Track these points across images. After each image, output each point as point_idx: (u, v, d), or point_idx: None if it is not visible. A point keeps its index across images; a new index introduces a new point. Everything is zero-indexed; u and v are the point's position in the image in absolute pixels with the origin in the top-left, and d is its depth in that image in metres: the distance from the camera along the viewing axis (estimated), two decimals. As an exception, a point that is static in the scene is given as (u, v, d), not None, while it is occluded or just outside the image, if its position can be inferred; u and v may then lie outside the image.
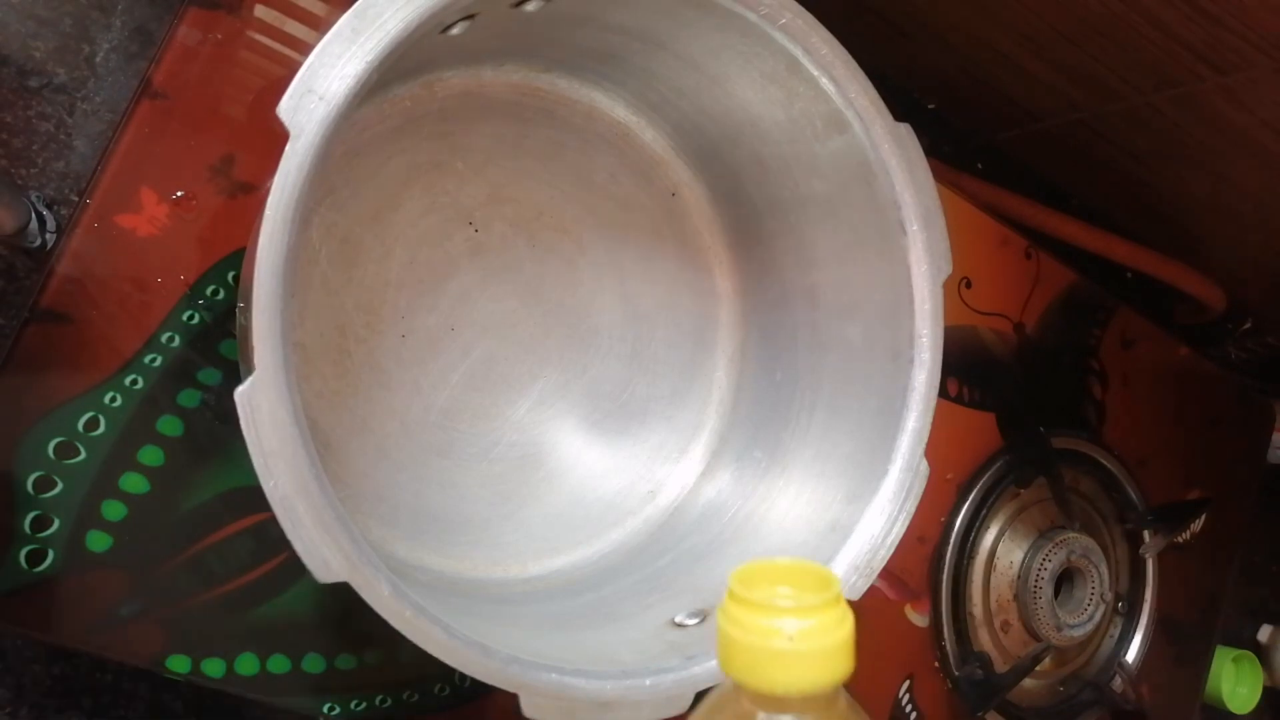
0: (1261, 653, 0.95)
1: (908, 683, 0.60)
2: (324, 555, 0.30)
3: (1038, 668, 0.64)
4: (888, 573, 0.55)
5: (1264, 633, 0.97)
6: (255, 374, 0.30)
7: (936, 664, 0.61)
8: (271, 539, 0.42)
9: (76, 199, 0.42)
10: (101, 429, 0.40)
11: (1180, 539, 0.74)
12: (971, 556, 0.62)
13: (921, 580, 0.61)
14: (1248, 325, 0.89)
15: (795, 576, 0.26)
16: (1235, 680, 0.90)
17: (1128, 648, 0.70)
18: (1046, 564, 0.63)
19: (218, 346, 0.42)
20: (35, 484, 0.39)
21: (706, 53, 0.43)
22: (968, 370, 0.63)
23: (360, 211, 0.44)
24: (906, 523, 0.42)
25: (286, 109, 0.30)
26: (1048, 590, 0.63)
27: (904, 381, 0.43)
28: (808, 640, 0.24)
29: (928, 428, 0.43)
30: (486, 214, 0.47)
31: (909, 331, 0.43)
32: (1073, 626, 0.64)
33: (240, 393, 0.29)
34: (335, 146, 0.34)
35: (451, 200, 0.46)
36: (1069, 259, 0.69)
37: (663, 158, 0.52)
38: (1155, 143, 0.68)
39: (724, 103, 0.45)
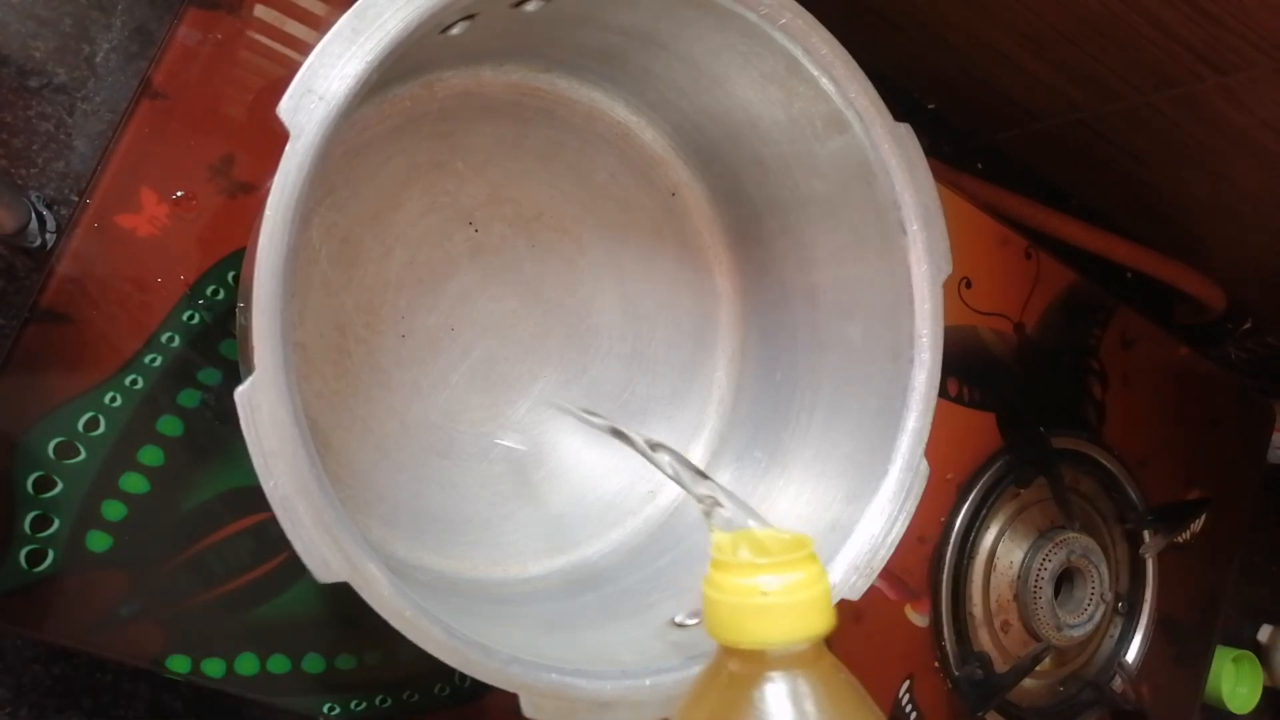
0: (1261, 653, 0.95)
1: (908, 683, 0.60)
2: (324, 555, 0.30)
3: (1038, 668, 0.64)
4: (888, 573, 0.55)
5: (1264, 633, 0.97)
6: (255, 374, 0.30)
7: (936, 664, 0.61)
8: (271, 539, 0.42)
9: (76, 199, 0.42)
10: (101, 429, 0.40)
11: (1180, 539, 0.74)
12: (971, 556, 0.62)
13: (921, 580, 0.61)
14: (1248, 325, 0.89)
15: (771, 542, 0.28)
16: (1235, 680, 0.90)
17: (1128, 648, 0.70)
18: (1046, 564, 0.63)
19: (218, 346, 0.42)
20: (35, 484, 0.39)
21: (706, 53, 0.43)
22: (968, 370, 0.63)
23: (360, 211, 0.44)
24: (906, 523, 0.42)
25: (286, 109, 0.30)
26: (1048, 590, 0.63)
27: (904, 381, 0.43)
28: (785, 595, 0.26)
29: (928, 428, 0.43)
30: (486, 214, 0.47)
31: (909, 331, 0.43)
32: (1073, 626, 0.64)
33: (240, 393, 0.29)
34: (335, 146, 0.34)
35: (451, 200, 0.46)
36: (1069, 259, 0.69)
37: (663, 158, 0.52)
38: (1155, 143, 0.68)
39: (724, 103, 0.45)
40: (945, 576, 0.61)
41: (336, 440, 0.43)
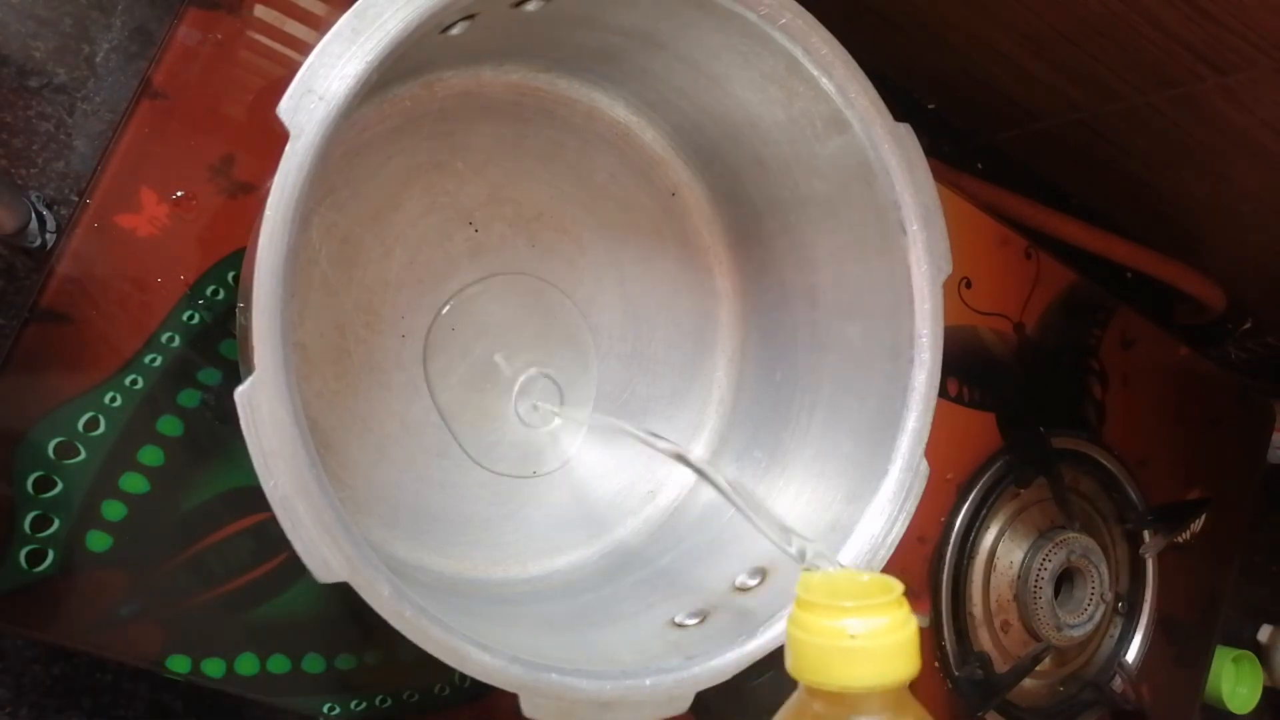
0: (1261, 653, 0.95)
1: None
2: (324, 555, 0.30)
3: (1038, 668, 0.64)
4: (888, 573, 0.55)
5: (1264, 633, 0.97)
6: (255, 374, 0.30)
7: (936, 664, 0.61)
8: (271, 539, 0.42)
9: (76, 199, 0.42)
10: (101, 429, 0.40)
11: (1180, 539, 0.74)
12: (971, 556, 0.62)
13: (921, 580, 0.61)
14: (1248, 325, 0.89)
15: (859, 583, 0.28)
16: (1235, 680, 0.90)
17: (1128, 648, 0.70)
18: (1046, 564, 0.63)
19: (218, 346, 0.42)
20: (35, 484, 0.39)
21: (706, 53, 0.43)
22: (968, 370, 0.63)
23: (360, 211, 0.44)
24: (906, 523, 0.42)
25: (286, 109, 0.30)
26: (1048, 590, 0.63)
27: (904, 381, 0.43)
28: (872, 639, 0.26)
29: (928, 428, 0.43)
30: (486, 214, 0.47)
31: (909, 331, 0.43)
32: (1073, 626, 0.64)
33: (240, 393, 0.29)
34: (335, 146, 0.34)
35: (451, 200, 0.46)
36: (1069, 259, 0.69)
37: (663, 158, 0.52)
38: (1155, 143, 0.68)
39: (724, 103, 0.45)
40: (945, 576, 0.61)
41: (336, 440, 0.43)
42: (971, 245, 0.63)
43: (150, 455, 0.41)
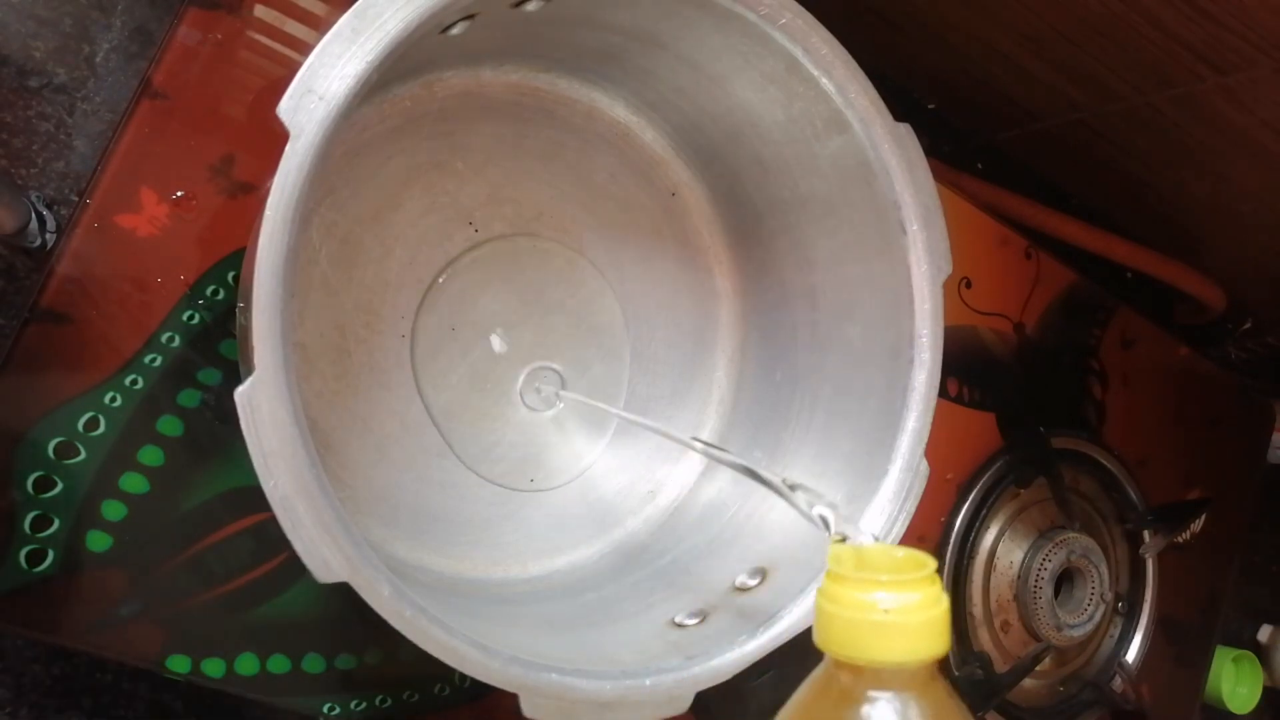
0: (1261, 653, 0.95)
1: (908, 683, 0.60)
2: (324, 555, 0.30)
3: (1038, 668, 0.64)
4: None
5: (1264, 633, 0.97)
6: (255, 374, 0.30)
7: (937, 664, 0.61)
8: (271, 539, 0.42)
9: (76, 199, 0.42)
10: (101, 429, 0.40)
11: (1180, 539, 0.74)
12: (971, 556, 0.62)
13: (921, 580, 0.61)
14: (1248, 325, 0.89)
15: (892, 558, 0.27)
16: (1235, 680, 0.90)
17: (1128, 648, 0.70)
18: (1046, 564, 0.63)
19: (218, 346, 0.42)
20: (35, 484, 0.39)
21: (706, 53, 0.43)
22: (968, 370, 0.63)
23: (360, 211, 0.44)
24: (906, 523, 0.42)
25: (286, 109, 0.30)
26: (1048, 590, 0.63)
27: (904, 381, 0.43)
28: (903, 614, 0.25)
29: (928, 428, 0.43)
30: (486, 214, 0.47)
31: (909, 331, 0.43)
32: (1073, 626, 0.64)
33: (240, 393, 0.29)
34: (335, 146, 0.34)
35: (451, 200, 0.46)
36: (1069, 259, 0.69)
37: (663, 158, 0.52)
38: (1155, 143, 0.68)
39: (724, 103, 0.45)
40: (945, 576, 0.61)
41: (336, 440, 0.43)
42: (971, 245, 0.63)
43: (150, 455, 0.41)
